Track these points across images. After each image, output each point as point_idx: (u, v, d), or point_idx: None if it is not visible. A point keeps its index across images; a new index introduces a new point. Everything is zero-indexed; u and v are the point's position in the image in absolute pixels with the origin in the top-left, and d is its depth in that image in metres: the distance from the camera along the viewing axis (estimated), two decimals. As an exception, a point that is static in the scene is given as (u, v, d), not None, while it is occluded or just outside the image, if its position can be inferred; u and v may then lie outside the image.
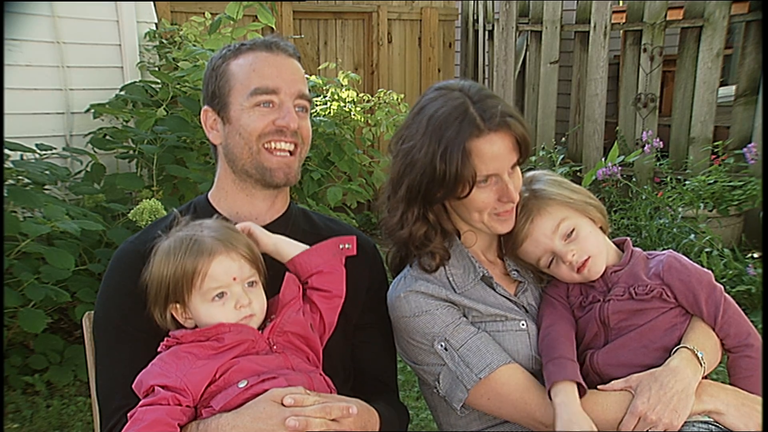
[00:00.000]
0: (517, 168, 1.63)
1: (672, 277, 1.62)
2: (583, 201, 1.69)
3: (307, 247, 1.55)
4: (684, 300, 1.61)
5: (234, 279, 1.41)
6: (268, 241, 1.55)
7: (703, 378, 1.55)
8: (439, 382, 1.62)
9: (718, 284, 1.63)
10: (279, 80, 1.60)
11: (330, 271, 1.53)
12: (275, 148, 1.60)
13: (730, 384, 1.60)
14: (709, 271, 1.65)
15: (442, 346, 1.59)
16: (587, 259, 1.64)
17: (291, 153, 1.63)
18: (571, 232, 1.65)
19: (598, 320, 1.63)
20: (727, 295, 1.63)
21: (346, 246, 1.58)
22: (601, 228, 1.72)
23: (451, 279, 1.67)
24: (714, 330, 1.60)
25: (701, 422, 1.50)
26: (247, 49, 1.63)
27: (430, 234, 1.63)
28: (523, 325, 1.64)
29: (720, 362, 1.63)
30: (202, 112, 1.68)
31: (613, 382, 1.55)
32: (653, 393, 1.48)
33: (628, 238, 1.76)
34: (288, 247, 1.55)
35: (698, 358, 1.53)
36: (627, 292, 1.62)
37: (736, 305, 1.64)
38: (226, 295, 1.41)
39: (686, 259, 1.67)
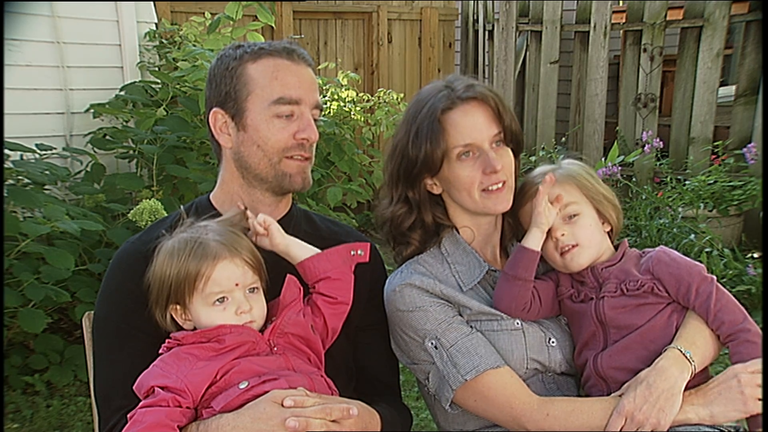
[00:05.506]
0: (506, 149, 1.66)
1: (662, 270, 1.61)
2: (602, 194, 1.69)
3: (318, 250, 1.53)
4: (675, 292, 1.60)
5: (236, 285, 1.41)
6: (282, 240, 1.53)
7: (699, 372, 1.55)
8: (428, 380, 1.63)
9: (710, 275, 1.62)
10: (301, 90, 1.57)
11: (338, 277, 1.52)
12: (293, 156, 1.59)
13: None
14: (702, 264, 1.65)
15: (432, 344, 1.60)
16: (574, 246, 1.64)
17: (306, 158, 1.62)
18: (574, 215, 1.65)
19: (595, 319, 1.63)
20: (720, 285, 1.62)
21: (358, 252, 1.57)
22: (610, 231, 1.71)
23: (457, 276, 1.68)
24: (708, 321, 1.58)
25: (707, 426, 1.49)
26: (266, 53, 1.58)
27: (406, 218, 1.70)
28: (517, 323, 1.64)
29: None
30: (211, 114, 1.62)
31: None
32: (639, 392, 1.49)
33: (626, 240, 1.76)
34: (299, 250, 1.53)
35: (686, 356, 1.53)
36: (619, 289, 1.62)
37: (730, 295, 1.63)
38: (227, 300, 1.41)
39: (676, 253, 1.67)
